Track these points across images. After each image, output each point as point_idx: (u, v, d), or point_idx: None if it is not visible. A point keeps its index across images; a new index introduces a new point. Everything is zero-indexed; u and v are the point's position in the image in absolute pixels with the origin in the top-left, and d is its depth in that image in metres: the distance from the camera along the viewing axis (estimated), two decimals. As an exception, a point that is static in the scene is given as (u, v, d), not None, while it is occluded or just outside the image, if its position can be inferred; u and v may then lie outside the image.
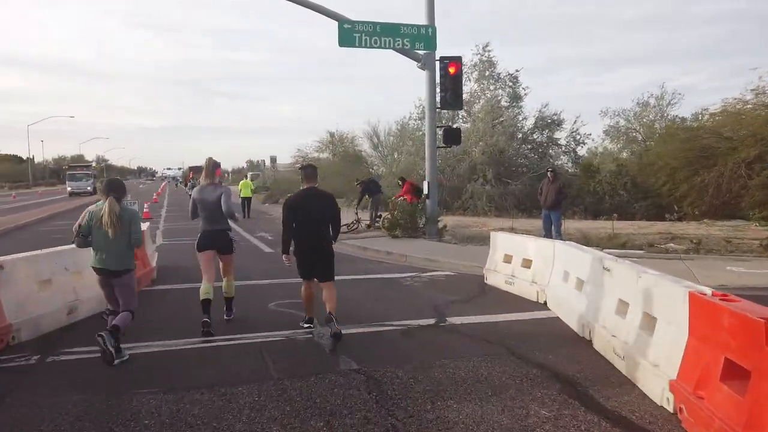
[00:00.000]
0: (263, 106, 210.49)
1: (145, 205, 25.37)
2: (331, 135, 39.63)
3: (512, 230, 14.91)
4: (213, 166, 6.05)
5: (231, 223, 6.15)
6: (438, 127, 14.45)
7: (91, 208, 4.96)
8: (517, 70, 25.41)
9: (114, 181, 5.17)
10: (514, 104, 25.18)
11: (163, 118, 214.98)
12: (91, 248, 4.94)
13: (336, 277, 6.03)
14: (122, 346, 4.93)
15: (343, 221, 7.09)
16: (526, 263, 7.80)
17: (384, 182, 25.25)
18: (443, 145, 14.26)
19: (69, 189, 46.60)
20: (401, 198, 15.49)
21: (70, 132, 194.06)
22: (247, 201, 22.99)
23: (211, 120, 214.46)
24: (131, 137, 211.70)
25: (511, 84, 25.50)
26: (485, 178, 20.72)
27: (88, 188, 46.94)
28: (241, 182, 24.87)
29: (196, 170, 55.52)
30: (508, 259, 8.30)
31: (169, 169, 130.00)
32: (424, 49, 13.52)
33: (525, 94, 25.28)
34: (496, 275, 8.39)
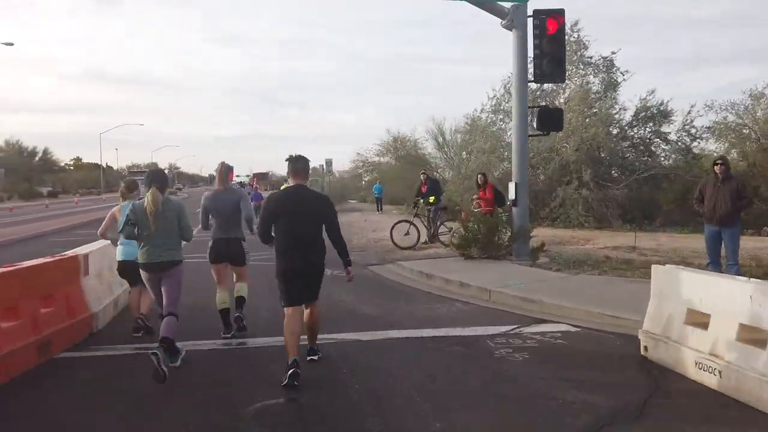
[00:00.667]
0: (327, 115, 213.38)
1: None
2: (394, 138, 36.07)
3: (635, 249, 10.79)
4: (226, 170, 5.76)
5: (245, 231, 5.74)
6: (530, 107, 10.59)
7: (135, 201, 4.83)
8: (613, 53, 21.00)
9: (155, 171, 4.97)
10: (608, 93, 20.75)
11: (233, 127, 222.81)
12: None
13: (384, 332, 5.55)
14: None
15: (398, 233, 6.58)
16: (751, 334, 3.92)
17: (451, 187, 21.73)
18: (538, 132, 10.41)
19: (128, 195, 46.12)
20: (477, 203, 11.77)
21: (145, 141, 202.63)
22: None
23: (279, 128, 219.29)
24: (204, 146, 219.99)
25: (605, 69, 21.16)
26: (581, 180, 16.54)
27: (147, 194, 46.30)
28: (282, 187, 22.77)
29: (260, 177, 56.03)
30: (698, 319, 4.43)
31: (237, 176, 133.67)
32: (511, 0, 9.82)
33: (624, 80, 20.84)
34: (675, 349, 4.51)
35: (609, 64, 21.13)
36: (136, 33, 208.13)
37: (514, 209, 10.17)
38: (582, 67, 21.36)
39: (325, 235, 4.57)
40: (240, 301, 5.77)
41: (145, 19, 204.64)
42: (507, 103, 21.35)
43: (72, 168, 78.88)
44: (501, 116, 21.62)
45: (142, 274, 4.69)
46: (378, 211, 29.63)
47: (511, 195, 10.18)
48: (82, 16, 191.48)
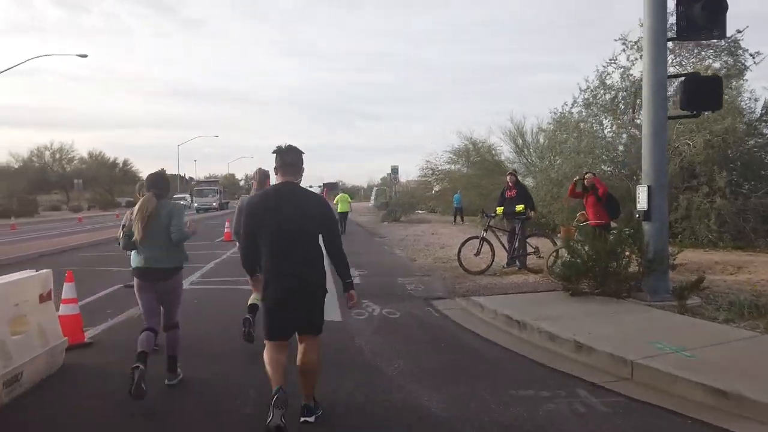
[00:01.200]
0: (398, 125, 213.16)
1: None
2: (467, 142, 32.80)
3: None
4: (264, 176, 5.52)
5: None
6: (670, 77, 7.31)
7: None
8: (739, 31, 16.95)
9: (155, 175, 4.44)
10: (735, 79, 16.72)
11: (307, 138, 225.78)
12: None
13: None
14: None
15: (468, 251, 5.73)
16: None
17: (536, 196, 18.35)
18: (684, 112, 7.09)
19: (195, 205, 45.75)
20: (582, 215, 8.65)
21: (224, 153, 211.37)
22: (343, 216, 20.78)
23: (351, 139, 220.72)
24: None
25: (729, 51, 17.18)
26: (712, 186, 12.80)
27: (214, 204, 45.85)
28: (337, 196, 22.67)
29: (330, 187, 55.72)
30: None
31: (311, 186, 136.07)
32: None
33: (755, 63, 16.78)
34: None
35: (733, 45, 17.16)
36: (217, 50, 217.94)
37: (645, 225, 6.95)
38: (698, 50, 17.58)
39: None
40: (252, 309, 5.39)
41: (226, 37, 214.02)
42: (604, 93, 17.87)
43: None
44: (594, 111, 18.11)
45: (135, 281, 4.32)
46: (456, 222, 26.77)
47: (642, 204, 6.96)
48: (169, 37, 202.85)
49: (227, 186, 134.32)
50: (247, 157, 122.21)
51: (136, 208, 4.19)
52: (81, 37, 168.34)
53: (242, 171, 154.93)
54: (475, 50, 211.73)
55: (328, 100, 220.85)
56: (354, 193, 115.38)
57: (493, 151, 40.39)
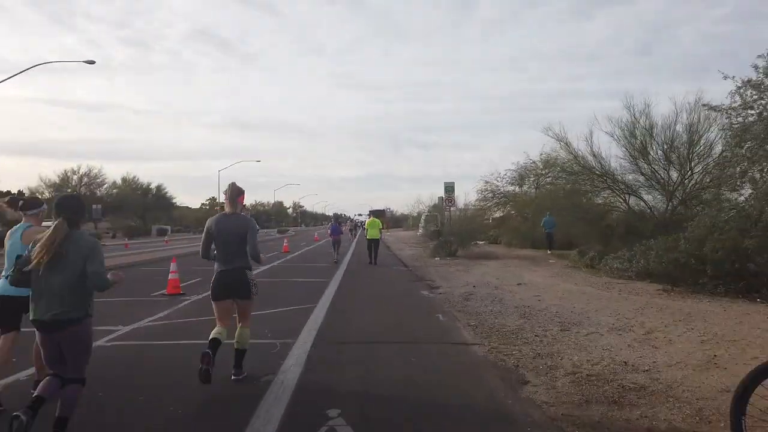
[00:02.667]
0: (449, 153, 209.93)
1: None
2: (563, 143, 24.88)
3: None
4: (236, 192, 4.88)
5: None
6: None
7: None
8: None
9: (67, 198, 3.59)
10: None
11: (358, 168, 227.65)
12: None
13: None
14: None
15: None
16: None
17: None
18: None
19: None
20: None
21: (272, 182, 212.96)
22: (372, 244, 18.37)
23: (402, 168, 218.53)
24: (332, 187, 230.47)
25: None
26: None
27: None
28: (367, 221, 20.19)
29: (377, 214, 49.74)
30: None
31: (359, 215, 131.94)
32: None
33: None
34: None
35: None
36: (271, 83, 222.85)
37: None
38: None
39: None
40: (240, 355, 4.79)
41: (279, 70, 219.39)
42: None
43: (187, 207, 77.74)
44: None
45: (37, 333, 3.50)
46: (549, 252, 19.22)
47: None
48: (226, 72, 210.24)
49: (274, 214, 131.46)
50: (294, 184, 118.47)
51: (44, 235, 3.39)
52: (145, 74, 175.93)
53: (290, 199, 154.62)
54: (525, 79, 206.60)
55: (378, 130, 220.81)
56: (402, 221, 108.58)
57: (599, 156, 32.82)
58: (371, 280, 13.09)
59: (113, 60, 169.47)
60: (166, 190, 67.15)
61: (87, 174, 57.17)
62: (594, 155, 16.70)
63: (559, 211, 19.59)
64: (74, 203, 3.57)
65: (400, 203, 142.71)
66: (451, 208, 22.37)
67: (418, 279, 13.20)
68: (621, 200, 16.29)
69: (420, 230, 40.97)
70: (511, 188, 34.69)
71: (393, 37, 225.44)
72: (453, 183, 22.68)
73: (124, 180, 63.06)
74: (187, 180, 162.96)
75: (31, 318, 3.41)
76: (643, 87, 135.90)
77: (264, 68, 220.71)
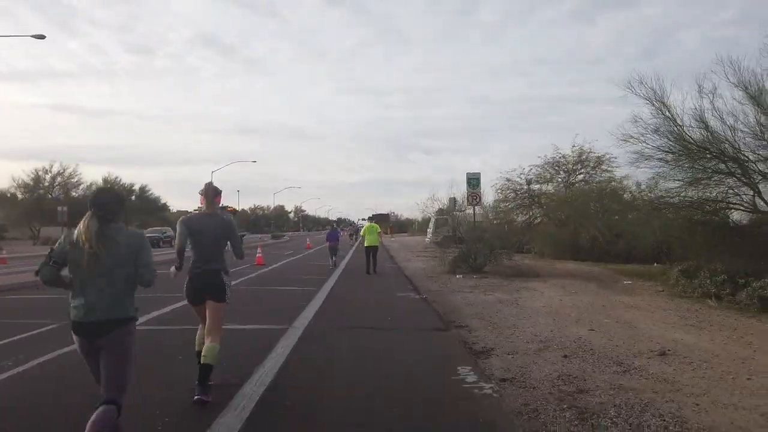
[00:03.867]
0: (453, 159, 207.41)
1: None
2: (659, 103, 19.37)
3: None
4: (213, 192, 4.68)
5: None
6: None
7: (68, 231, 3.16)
8: None
9: (101, 193, 3.28)
10: None
11: (363, 173, 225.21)
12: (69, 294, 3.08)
13: None
14: None
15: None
16: None
17: None
18: None
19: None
20: None
21: (274, 186, 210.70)
22: (370, 252, 15.75)
23: (406, 174, 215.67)
24: (336, 192, 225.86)
25: None
26: None
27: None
28: (365, 226, 17.19)
29: (379, 219, 45.85)
30: None
31: (363, 219, 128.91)
32: None
33: None
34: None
35: None
36: (274, 87, 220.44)
37: None
38: None
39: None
40: (205, 371, 4.17)
41: (282, 75, 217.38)
42: None
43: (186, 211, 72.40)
44: None
45: (74, 338, 3.08)
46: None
47: None
48: (230, 77, 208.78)
49: (274, 218, 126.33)
50: (295, 187, 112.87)
51: (80, 232, 3.00)
52: (149, 79, 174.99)
53: (291, 203, 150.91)
54: (530, 84, 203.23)
55: (381, 135, 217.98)
56: (407, 226, 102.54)
57: (609, 164, 27.65)
58: (361, 333, 7.56)
59: (116, 65, 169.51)
60: (150, 192, 61.84)
61: (60, 173, 51.94)
62: (706, 127, 10.87)
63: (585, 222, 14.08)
64: (107, 197, 3.17)
65: (404, 208, 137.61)
66: (476, 207, 16.73)
67: (443, 322, 7.69)
68: (747, 195, 10.70)
69: (429, 236, 35.44)
70: (537, 186, 29.49)
71: (395, 42, 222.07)
72: (478, 174, 16.80)
73: (105, 181, 57.83)
74: (191, 185, 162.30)
75: (71, 318, 3.00)
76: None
77: (267, 73, 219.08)
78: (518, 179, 27.90)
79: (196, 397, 4.02)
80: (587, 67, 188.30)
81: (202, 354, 4.27)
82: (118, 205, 3.16)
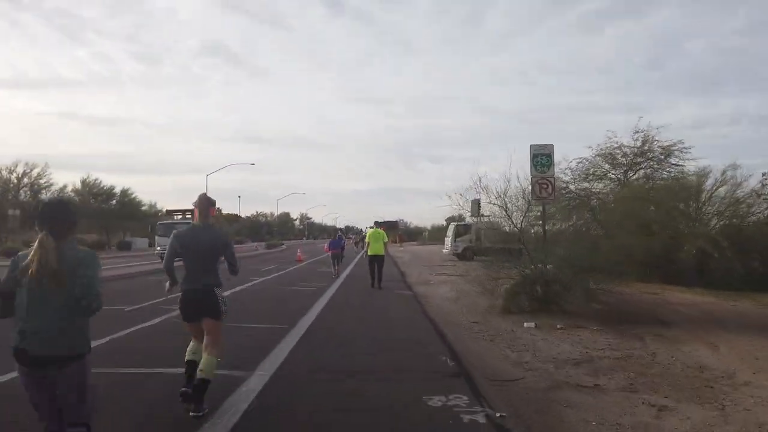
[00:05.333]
0: (461, 167, 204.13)
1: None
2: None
3: None
4: (207, 203, 4.49)
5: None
6: None
7: (21, 252, 2.83)
8: None
9: (52, 204, 2.91)
10: None
11: (370, 181, 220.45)
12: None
13: None
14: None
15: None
16: None
17: None
18: None
19: (158, 249, 28.10)
20: None
21: (279, 194, 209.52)
22: (375, 262, 13.21)
23: (414, 182, 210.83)
24: (343, 200, 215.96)
25: None
26: None
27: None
28: (369, 232, 15.29)
29: (387, 226, 40.21)
30: None
31: (370, 227, 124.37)
32: None
33: None
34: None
35: None
36: (281, 96, 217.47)
37: None
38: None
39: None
40: (201, 387, 4.00)
41: (288, 84, 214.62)
42: None
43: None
44: None
45: (18, 368, 2.69)
46: None
47: None
48: (236, 86, 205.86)
49: (278, 225, 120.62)
50: (299, 193, 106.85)
51: (32, 258, 2.65)
52: (155, 88, 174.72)
53: (297, 210, 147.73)
54: (537, 92, 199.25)
55: (389, 143, 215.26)
56: (416, 234, 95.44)
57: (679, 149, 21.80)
58: None
59: (123, 73, 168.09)
60: (133, 196, 55.91)
61: (27, 174, 46.14)
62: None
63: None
64: (61, 210, 2.82)
65: (412, 216, 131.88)
66: (548, 196, 10.13)
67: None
68: None
69: (447, 247, 28.82)
70: (587, 185, 23.28)
71: (401, 52, 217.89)
72: (550, 148, 10.11)
73: (84, 183, 51.94)
74: (197, 192, 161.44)
75: (13, 344, 2.63)
76: (654, 101, 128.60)
77: (273, 82, 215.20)
78: (562, 176, 21.33)
79: (192, 413, 3.93)
80: (594, 76, 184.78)
81: (199, 368, 4.06)
82: (69, 217, 2.81)
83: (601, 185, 23.07)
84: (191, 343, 4.34)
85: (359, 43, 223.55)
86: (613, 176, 22.73)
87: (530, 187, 10.35)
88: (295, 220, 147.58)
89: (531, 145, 10.12)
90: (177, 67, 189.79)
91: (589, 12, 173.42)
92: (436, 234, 79.14)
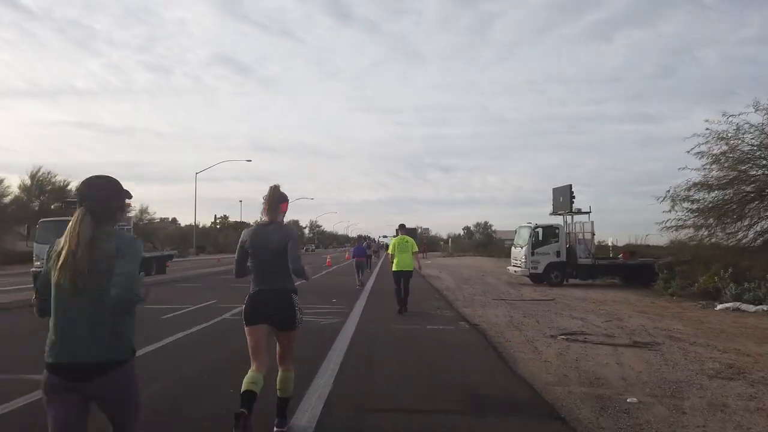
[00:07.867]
0: (472, 177, 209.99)
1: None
2: None
3: None
4: (278, 198, 3.93)
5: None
6: None
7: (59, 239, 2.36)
8: None
9: (93, 181, 2.39)
10: None
11: (381, 190, 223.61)
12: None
13: None
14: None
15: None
16: None
17: None
18: None
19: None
20: None
21: (292, 204, 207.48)
22: (405, 280, 10.66)
23: (425, 192, 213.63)
24: (355, 209, 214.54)
25: None
26: None
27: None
28: (393, 240, 11.39)
29: (406, 232, 33.68)
30: None
31: (384, 236, 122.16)
32: None
33: None
34: None
35: None
36: (290, 106, 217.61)
37: None
38: None
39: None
40: (283, 405, 3.89)
41: (298, 93, 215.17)
42: None
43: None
44: None
45: (48, 385, 2.23)
46: None
47: None
48: (246, 96, 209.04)
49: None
50: (307, 198, 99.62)
51: (66, 238, 2.26)
52: (167, 98, 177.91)
53: (307, 218, 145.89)
54: (544, 102, 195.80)
55: (398, 153, 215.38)
56: (434, 244, 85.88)
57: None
58: None
59: (135, 83, 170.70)
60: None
61: (48, 180, 39.23)
62: None
63: None
64: (102, 187, 2.35)
65: (424, 225, 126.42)
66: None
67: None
68: None
69: (517, 262, 20.01)
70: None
71: (409, 61, 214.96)
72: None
73: (32, 176, 39.24)
74: (207, 201, 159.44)
75: (47, 360, 2.23)
76: (665, 110, 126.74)
77: (283, 92, 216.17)
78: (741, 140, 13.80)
79: (276, 429, 3.81)
80: (605, 85, 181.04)
81: (278, 387, 3.87)
82: (114, 197, 2.38)
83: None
84: (250, 372, 3.64)
85: (368, 54, 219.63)
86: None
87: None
88: (305, 227, 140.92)
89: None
90: (188, 78, 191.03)
91: (599, 20, 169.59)
92: (460, 244, 70.68)
